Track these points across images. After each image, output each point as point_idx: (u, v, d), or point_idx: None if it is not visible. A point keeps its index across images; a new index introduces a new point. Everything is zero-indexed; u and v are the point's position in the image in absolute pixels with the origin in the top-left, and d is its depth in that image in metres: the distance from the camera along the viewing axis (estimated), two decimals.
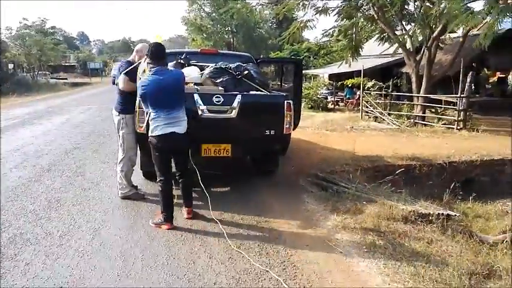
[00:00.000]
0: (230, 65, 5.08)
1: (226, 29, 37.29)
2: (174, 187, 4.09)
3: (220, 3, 31.39)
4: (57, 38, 52.60)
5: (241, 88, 4.92)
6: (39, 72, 40.75)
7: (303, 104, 19.60)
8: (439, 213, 4.18)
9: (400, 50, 13.78)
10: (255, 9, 26.32)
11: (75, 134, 9.24)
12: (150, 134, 3.94)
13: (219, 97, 4.59)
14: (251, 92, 4.96)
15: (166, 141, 3.87)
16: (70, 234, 3.76)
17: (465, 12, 8.71)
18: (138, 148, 4.78)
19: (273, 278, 3.06)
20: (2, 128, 10.09)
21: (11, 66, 35.67)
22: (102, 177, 5.62)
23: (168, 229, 3.91)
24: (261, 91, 5.07)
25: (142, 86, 3.86)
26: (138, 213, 4.34)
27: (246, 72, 5.05)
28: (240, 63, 5.31)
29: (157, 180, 4.06)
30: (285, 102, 4.80)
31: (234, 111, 4.60)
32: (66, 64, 54.48)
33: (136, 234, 3.81)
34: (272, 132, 4.81)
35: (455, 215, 4.35)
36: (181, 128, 3.92)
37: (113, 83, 4.70)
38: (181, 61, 5.46)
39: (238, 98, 4.61)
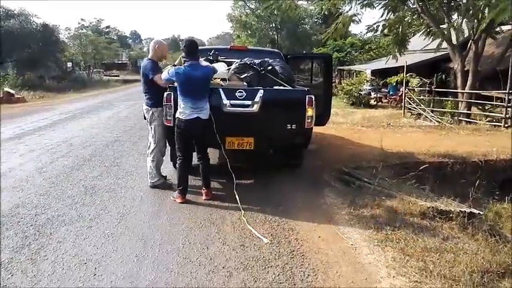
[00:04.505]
0: (255, 61, 5.21)
1: (271, 25, 37.36)
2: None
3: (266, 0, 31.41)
4: (111, 37, 55.43)
5: (265, 83, 5.04)
6: (94, 70, 43.20)
7: (344, 100, 19.51)
8: (460, 211, 4.08)
9: (444, 45, 13.20)
10: (299, 5, 26.25)
11: (119, 127, 9.82)
12: (177, 116, 4.42)
13: (242, 92, 4.76)
14: (274, 87, 5.07)
15: (191, 124, 4.36)
16: (100, 218, 4.08)
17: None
18: (167, 140, 5.05)
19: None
20: (56, 121, 10.99)
21: (69, 64, 37.95)
22: (136, 167, 5.97)
23: (181, 202, 4.48)
24: (285, 86, 5.16)
25: (176, 73, 4.36)
26: (163, 201, 4.61)
27: (270, 67, 5.17)
28: (266, 59, 5.43)
29: (177, 158, 4.59)
30: (307, 97, 4.85)
31: (256, 105, 4.76)
32: (119, 62, 57.22)
33: (159, 220, 4.06)
34: (294, 126, 4.91)
35: (479, 213, 4.22)
36: (203, 114, 4.40)
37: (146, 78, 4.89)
38: (210, 57, 5.67)
39: (261, 92, 4.76)
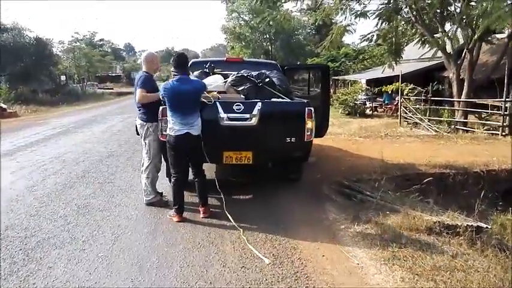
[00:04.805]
0: (252, 73, 5.10)
1: (265, 36, 37.49)
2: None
3: (259, 11, 31.53)
4: (105, 50, 55.38)
5: (263, 95, 4.93)
6: (88, 83, 43.03)
7: (339, 110, 19.45)
8: (467, 225, 3.95)
9: (439, 54, 13.20)
10: (293, 17, 26.29)
11: (113, 141, 9.65)
12: (167, 132, 4.29)
13: (240, 105, 4.63)
14: (272, 100, 4.95)
15: (181, 140, 4.21)
16: (93, 239, 3.89)
17: (508, 12, 8.22)
18: (162, 156, 4.89)
19: None
20: (49, 135, 10.81)
21: (63, 78, 37.76)
22: (130, 184, 5.80)
23: (178, 221, 4.32)
24: (283, 98, 5.04)
25: (163, 88, 4.27)
26: (159, 219, 4.43)
27: (267, 79, 5.06)
28: (263, 70, 5.32)
29: (171, 176, 4.44)
30: (306, 109, 4.74)
31: (254, 118, 4.63)
32: (113, 74, 57.14)
33: (155, 241, 3.88)
34: (293, 139, 4.78)
35: (487, 227, 4.09)
36: (194, 129, 4.24)
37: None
38: (206, 70, 5.56)
39: (259, 105, 4.63)
